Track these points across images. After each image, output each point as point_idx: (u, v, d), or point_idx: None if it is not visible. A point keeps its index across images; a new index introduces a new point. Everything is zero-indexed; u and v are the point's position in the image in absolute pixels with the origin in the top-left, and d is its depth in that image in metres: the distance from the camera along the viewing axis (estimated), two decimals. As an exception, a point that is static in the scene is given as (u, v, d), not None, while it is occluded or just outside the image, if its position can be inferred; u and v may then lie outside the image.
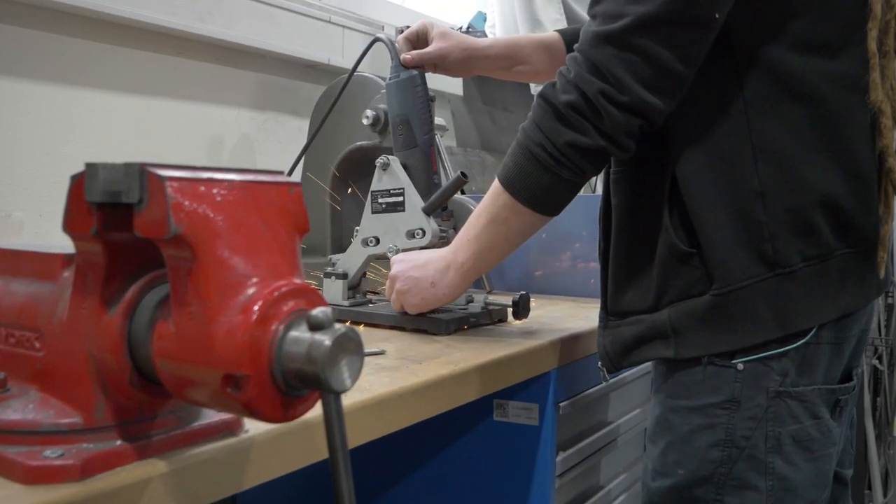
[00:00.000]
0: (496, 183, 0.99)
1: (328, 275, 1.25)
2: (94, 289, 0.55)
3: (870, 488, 2.67)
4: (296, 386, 0.50)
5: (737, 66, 0.90)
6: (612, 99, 0.88)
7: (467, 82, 2.11)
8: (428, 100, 1.24)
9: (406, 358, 0.95)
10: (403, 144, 1.22)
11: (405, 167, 1.21)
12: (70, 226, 0.54)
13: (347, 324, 1.17)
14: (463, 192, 1.88)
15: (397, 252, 1.18)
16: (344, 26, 1.90)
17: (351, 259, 1.25)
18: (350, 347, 0.50)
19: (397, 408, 0.80)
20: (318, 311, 0.49)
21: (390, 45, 1.23)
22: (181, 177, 0.50)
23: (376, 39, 1.28)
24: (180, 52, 1.60)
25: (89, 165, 0.51)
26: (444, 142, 1.87)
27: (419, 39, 1.26)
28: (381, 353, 0.98)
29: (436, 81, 1.53)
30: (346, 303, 1.23)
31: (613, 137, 0.90)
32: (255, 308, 0.49)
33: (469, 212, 1.44)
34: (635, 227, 0.97)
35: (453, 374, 0.89)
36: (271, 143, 1.80)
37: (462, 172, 1.17)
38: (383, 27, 2.02)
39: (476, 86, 2.12)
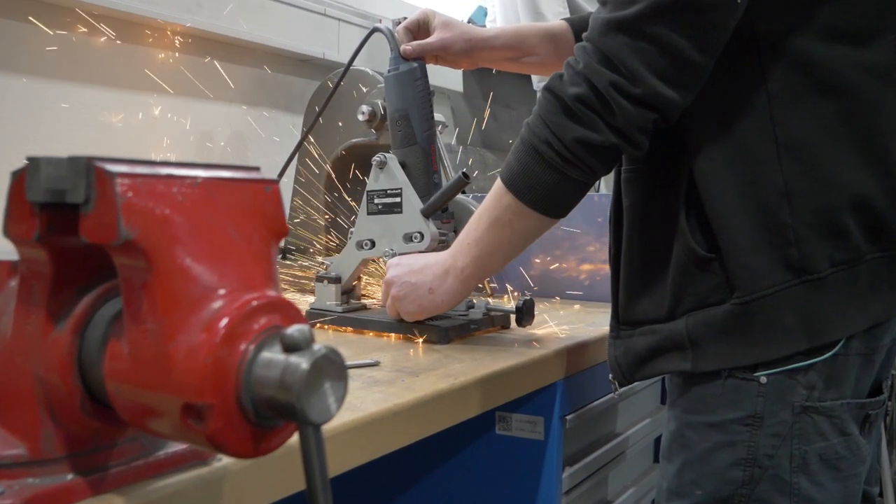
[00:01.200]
0: (499, 183, 0.92)
1: (320, 278, 1.18)
2: (40, 301, 0.48)
3: (881, 495, 2.60)
4: (268, 416, 0.43)
5: (759, 55, 0.83)
6: (624, 91, 0.81)
7: (467, 78, 2.04)
8: (429, 94, 1.17)
9: (401, 370, 0.88)
10: (402, 141, 1.15)
11: (403, 166, 1.14)
12: (11, 230, 0.47)
13: (348, 330, 1.11)
14: (464, 192, 1.81)
15: (393, 256, 1.11)
16: (340, 19, 1.83)
17: (344, 262, 1.18)
18: (331, 371, 0.43)
19: (390, 428, 0.73)
20: (295, 330, 0.42)
21: (389, 35, 1.16)
22: (135, 173, 0.43)
23: (375, 30, 1.21)
24: (170, 45, 1.53)
25: (31, 160, 0.45)
26: (443, 139, 1.79)
27: (420, 29, 1.19)
28: (375, 364, 0.91)
29: (435, 77, 1.47)
30: (339, 308, 1.16)
31: (625, 133, 0.83)
32: (221, 325, 0.43)
33: (470, 213, 1.37)
34: (649, 229, 0.90)
35: (452, 388, 0.82)
36: (264, 140, 1.73)
37: (464, 172, 1.10)
38: (381, 20, 1.95)
39: (476, 81, 2.05)
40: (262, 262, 0.47)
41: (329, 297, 1.17)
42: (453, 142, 2.01)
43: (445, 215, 1.16)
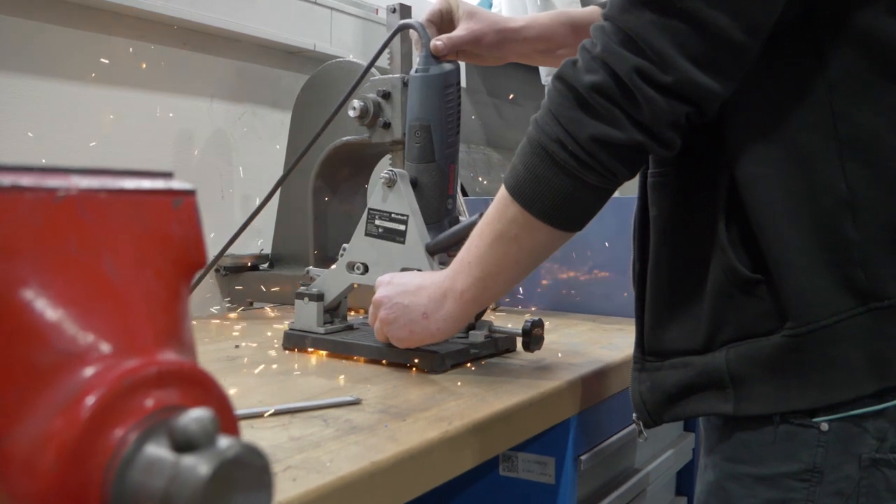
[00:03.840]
0: (503, 191, 0.78)
1: (301, 295, 1.04)
2: None
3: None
4: (153, 543, 0.29)
5: (817, 35, 0.68)
6: (651, 79, 0.67)
7: (470, 71, 1.90)
8: (458, 106, 1.00)
9: (386, 410, 0.75)
10: (418, 156, 0.99)
11: (415, 184, 0.99)
12: None
13: (330, 354, 0.97)
14: (465, 194, 1.67)
15: None
16: (332, 8, 1.70)
17: (331, 281, 1.04)
18: (246, 480, 0.29)
19: (366, 492, 0.59)
20: (190, 419, 0.28)
21: (422, 30, 1.00)
22: (-43, 184, 0.29)
23: (404, 26, 1.04)
24: (142, 35, 1.40)
25: None
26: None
27: (444, 21, 1.03)
28: (356, 402, 0.77)
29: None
30: (321, 330, 1.02)
31: (653, 130, 0.69)
32: (87, 404, 0.29)
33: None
34: (681, 244, 0.76)
35: (445, 436, 0.68)
36: (249, 139, 1.60)
37: (481, 214, 0.95)
38: (377, 10, 1.82)
39: (480, 75, 1.91)
40: (158, 311, 0.33)
41: (310, 317, 1.03)
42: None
43: (453, 248, 1.01)
